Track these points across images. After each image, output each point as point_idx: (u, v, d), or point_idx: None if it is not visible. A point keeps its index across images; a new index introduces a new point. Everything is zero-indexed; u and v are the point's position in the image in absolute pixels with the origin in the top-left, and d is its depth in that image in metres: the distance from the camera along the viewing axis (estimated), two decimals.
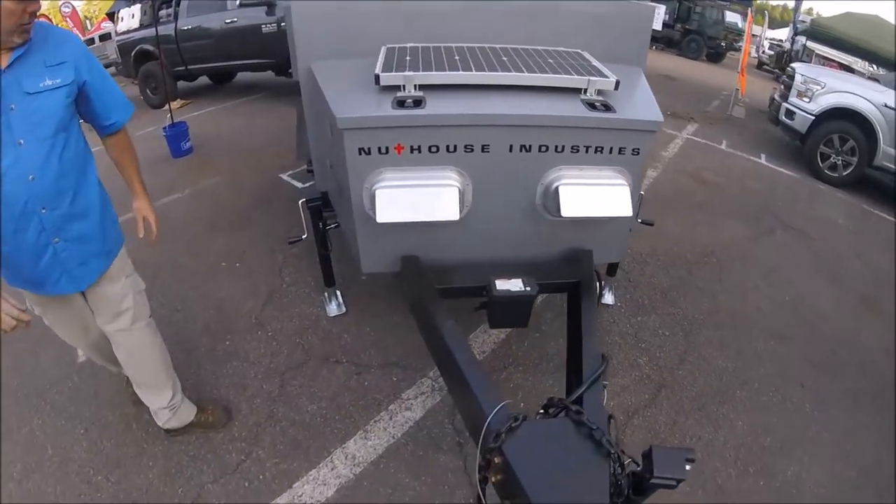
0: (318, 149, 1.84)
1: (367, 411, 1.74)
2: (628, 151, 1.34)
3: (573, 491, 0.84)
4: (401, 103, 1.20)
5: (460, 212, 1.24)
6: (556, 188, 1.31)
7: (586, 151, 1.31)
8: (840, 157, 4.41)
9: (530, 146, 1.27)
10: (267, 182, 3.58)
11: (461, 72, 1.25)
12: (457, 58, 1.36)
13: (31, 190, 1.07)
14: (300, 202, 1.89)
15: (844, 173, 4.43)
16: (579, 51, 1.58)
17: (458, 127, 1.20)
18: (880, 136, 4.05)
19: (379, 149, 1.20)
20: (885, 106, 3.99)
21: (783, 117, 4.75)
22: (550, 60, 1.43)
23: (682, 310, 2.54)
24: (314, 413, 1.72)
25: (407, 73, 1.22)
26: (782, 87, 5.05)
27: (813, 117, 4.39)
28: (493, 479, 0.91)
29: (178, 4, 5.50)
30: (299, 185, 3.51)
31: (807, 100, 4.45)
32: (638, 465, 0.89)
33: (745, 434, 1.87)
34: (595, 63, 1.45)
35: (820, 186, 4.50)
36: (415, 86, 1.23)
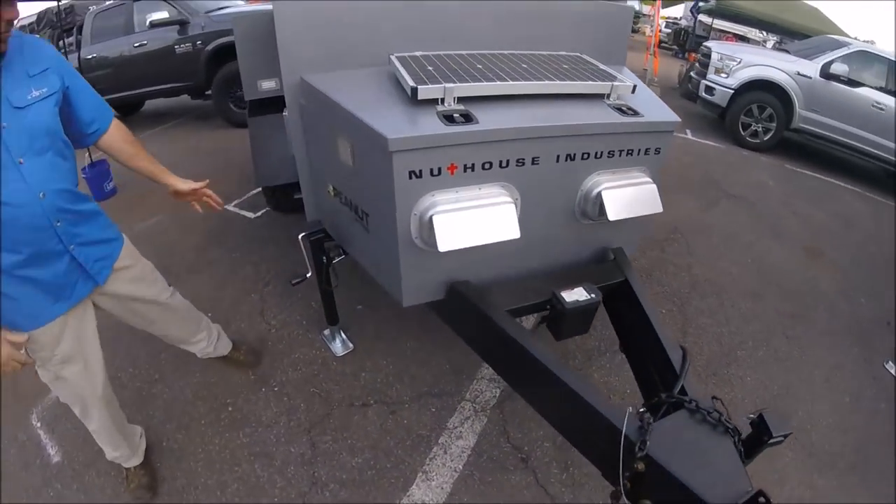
0: (315, 174, 1.73)
1: (417, 451, 1.69)
2: (652, 151, 1.47)
3: (716, 470, 0.94)
4: (449, 118, 1.17)
5: None
6: (598, 193, 1.38)
7: (619, 155, 1.41)
8: (760, 125, 5.17)
9: (574, 155, 1.32)
10: (214, 215, 3.26)
11: (498, 82, 1.26)
12: (479, 66, 1.37)
13: (43, 207, 1.08)
14: (300, 237, 1.76)
15: (765, 139, 5.22)
16: (579, 54, 1.67)
17: (513, 141, 1.21)
18: (795, 101, 4.85)
19: (431, 170, 1.16)
20: (798, 74, 4.77)
21: (703, 93, 5.44)
22: (565, 66, 1.50)
23: (667, 287, 2.82)
24: (361, 466, 1.63)
25: (448, 84, 1.19)
26: (698, 64, 5.78)
27: (732, 91, 5.08)
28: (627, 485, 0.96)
29: (80, 32, 4.92)
30: (251, 215, 3.25)
31: (724, 75, 5.15)
32: (740, 433, 1.01)
33: (756, 388, 2.18)
34: (604, 67, 1.55)
35: (744, 153, 5.24)
36: (454, 98, 1.21)
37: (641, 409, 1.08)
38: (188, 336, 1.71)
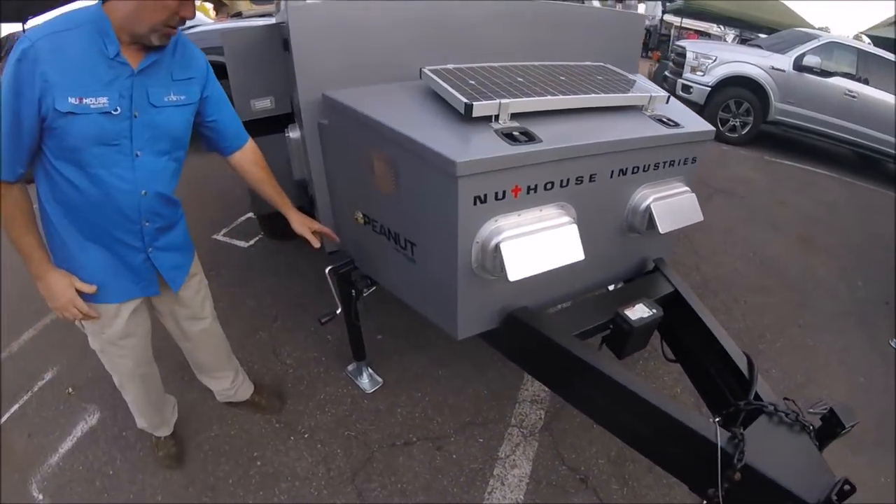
0: (337, 200, 1.68)
1: (474, 486, 1.66)
2: (689, 161, 1.53)
3: (802, 466, 1.01)
4: (511, 137, 1.16)
5: None
6: (647, 207, 1.42)
7: (663, 167, 1.46)
8: (738, 119, 5.50)
9: (626, 169, 1.36)
10: (204, 247, 3.11)
11: (550, 97, 1.27)
12: (521, 80, 1.38)
13: (140, 204, 1.15)
14: (327, 270, 1.70)
15: (743, 133, 5.56)
16: (603, 63, 1.72)
17: (575, 159, 1.22)
18: (771, 95, 5.20)
19: (496, 194, 1.14)
20: (772, 68, 5.12)
21: (680, 92, 5.74)
22: (599, 78, 1.54)
23: None
24: None
25: (503, 101, 1.18)
26: (672, 64, 6.09)
27: (710, 88, 5.39)
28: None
29: None
30: (243, 244, 3.13)
31: (701, 73, 5.46)
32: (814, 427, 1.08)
33: (782, 379, 2.30)
34: (632, 77, 1.61)
35: (724, 148, 5.56)
36: (508, 115, 1.21)
37: (717, 419, 1.13)
38: (217, 367, 1.73)
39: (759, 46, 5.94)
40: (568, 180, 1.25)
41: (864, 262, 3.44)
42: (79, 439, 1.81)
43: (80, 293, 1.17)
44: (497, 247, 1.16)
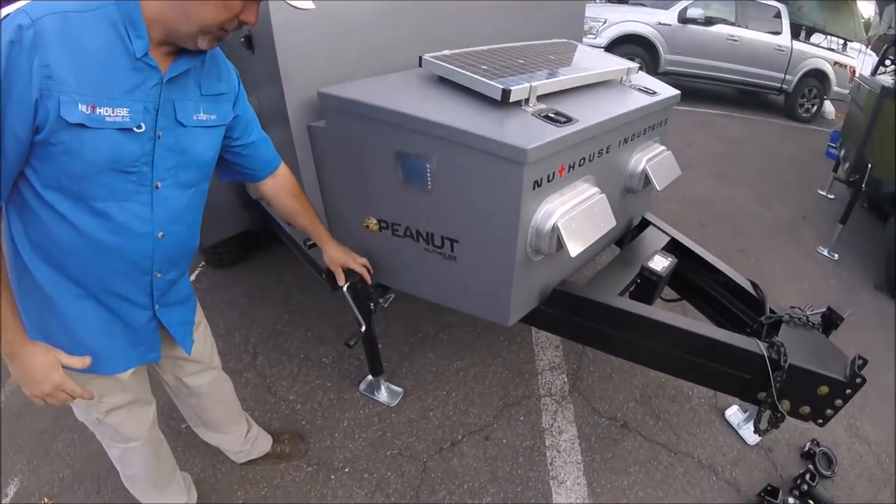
0: (336, 210, 1.68)
1: (534, 462, 1.85)
2: (664, 123, 1.87)
3: (823, 354, 1.37)
4: (550, 119, 1.29)
5: None
6: (643, 168, 1.70)
7: (649, 131, 1.75)
8: None
9: (628, 138, 1.60)
10: None
11: (567, 76, 1.45)
12: (521, 61, 1.53)
13: (155, 250, 0.99)
14: (344, 288, 1.71)
15: None
16: (567, 40, 1.96)
17: (601, 134, 1.41)
18: (660, 48, 6.05)
19: (548, 177, 1.28)
20: (659, 23, 5.95)
21: None
22: (575, 54, 1.77)
23: None
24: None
25: (533, 83, 1.30)
26: None
27: (603, 49, 6.08)
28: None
29: None
30: None
31: (593, 36, 6.12)
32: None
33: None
34: (598, 51, 1.87)
35: None
36: (535, 97, 1.34)
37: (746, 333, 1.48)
38: (229, 420, 1.63)
39: (643, 4, 6.84)
40: (593, 155, 1.45)
41: (774, 185, 4.34)
42: None
43: (67, 369, 0.98)
44: (554, 226, 1.30)
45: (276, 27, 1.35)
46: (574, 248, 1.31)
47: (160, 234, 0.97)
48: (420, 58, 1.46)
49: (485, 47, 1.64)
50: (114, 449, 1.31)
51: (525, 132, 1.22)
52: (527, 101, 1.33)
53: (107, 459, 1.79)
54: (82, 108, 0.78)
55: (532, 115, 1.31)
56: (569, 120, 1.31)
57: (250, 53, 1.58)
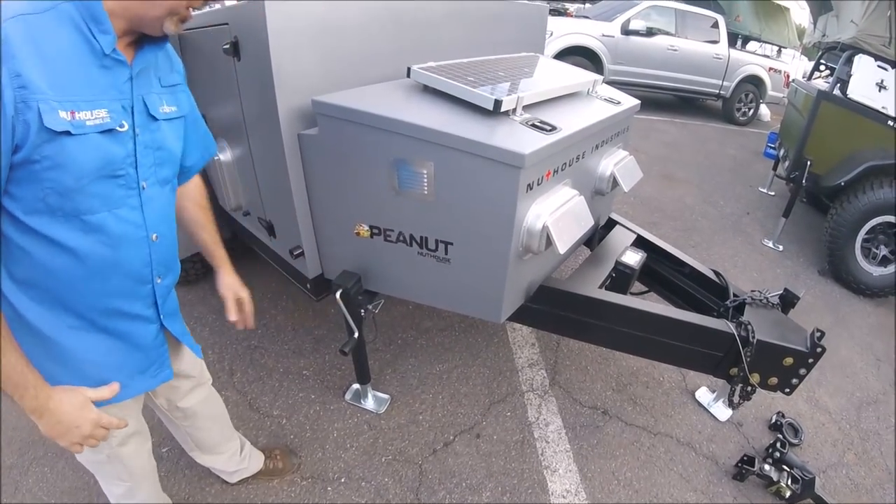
0: (326, 219, 1.73)
1: (526, 454, 1.97)
2: (626, 131, 2.09)
3: (784, 329, 1.61)
4: (537, 127, 1.43)
5: None
6: (611, 172, 1.90)
7: (613, 138, 1.95)
8: None
9: (599, 144, 1.79)
10: None
11: (548, 87, 1.62)
12: (501, 73, 1.68)
13: (152, 254, 0.97)
14: (337, 295, 1.77)
15: None
16: (535, 53, 2.15)
17: (580, 141, 1.58)
18: (604, 58, 6.52)
19: (537, 181, 1.41)
20: (603, 35, 6.41)
21: None
22: (545, 66, 1.95)
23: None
24: (493, 499, 1.81)
25: (520, 94, 1.44)
26: None
27: None
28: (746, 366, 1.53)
29: None
30: None
31: None
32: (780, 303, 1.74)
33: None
34: (561, 63, 2.07)
35: None
36: (521, 106, 1.48)
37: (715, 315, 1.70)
38: (223, 438, 1.61)
39: (587, 17, 7.35)
40: (572, 160, 1.62)
41: (717, 184, 4.81)
42: None
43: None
44: (544, 226, 1.45)
45: (271, 32, 1.38)
46: (562, 246, 1.46)
47: (154, 235, 0.96)
48: (408, 69, 1.57)
49: (465, 60, 1.78)
50: (120, 486, 1.25)
51: (518, 139, 1.35)
52: (514, 110, 1.47)
53: (82, 493, 1.76)
54: (63, 114, 0.75)
55: (520, 123, 1.44)
56: (554, 128, 1.47)
57: (235, 60, 1.61)
